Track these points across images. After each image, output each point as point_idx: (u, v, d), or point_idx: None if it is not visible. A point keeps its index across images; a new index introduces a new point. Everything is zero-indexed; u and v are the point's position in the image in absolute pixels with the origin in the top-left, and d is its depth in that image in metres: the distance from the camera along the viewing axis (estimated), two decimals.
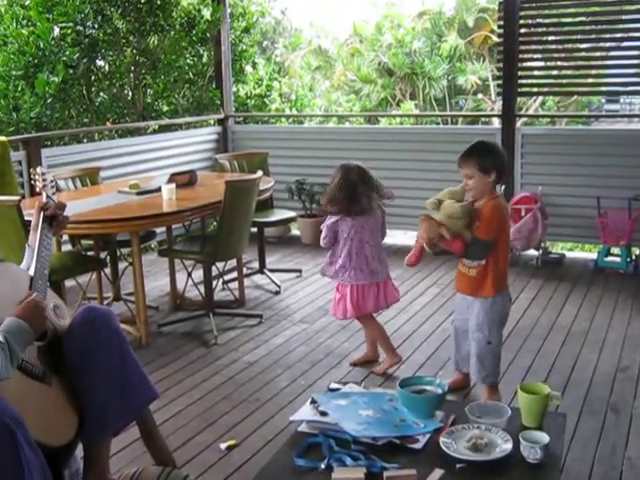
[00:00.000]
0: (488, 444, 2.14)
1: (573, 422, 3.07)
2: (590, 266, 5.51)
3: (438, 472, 2.06)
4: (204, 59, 7.48)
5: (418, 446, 2.23)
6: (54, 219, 2.52)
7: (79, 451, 2.34)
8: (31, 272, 2.34)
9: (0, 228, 3.83)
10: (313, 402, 2.48)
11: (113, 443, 2.45)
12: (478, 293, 3.20)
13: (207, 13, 7.13)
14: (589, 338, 4.14)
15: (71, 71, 6.44)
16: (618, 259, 5.43)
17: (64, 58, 6.38)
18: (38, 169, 2.67)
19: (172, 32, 6.95)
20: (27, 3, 6.62)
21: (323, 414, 2.39)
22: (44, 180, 2.62)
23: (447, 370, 3.59)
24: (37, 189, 2.65)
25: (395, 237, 7.73)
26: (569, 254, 6.12)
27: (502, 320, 3.28)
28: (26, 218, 3.65)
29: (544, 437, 2.14)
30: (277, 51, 15.81)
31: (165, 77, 7.09)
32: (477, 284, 3.19)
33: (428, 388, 2.48)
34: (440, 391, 2.44)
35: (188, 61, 7.33)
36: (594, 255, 5.75)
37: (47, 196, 2.58)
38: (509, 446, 2.13)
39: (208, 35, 7.14)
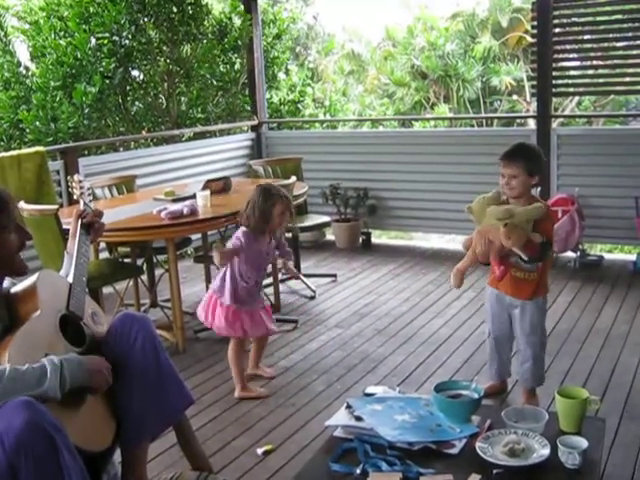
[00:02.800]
0: (525, 449, 2.12)
1: (613, 427, 3.02)
2: (629, 267, 5.42)
3: (475, 477, 2.04)
4: (237, 66, 7.52)
5: (454, 451, 2.21)
6: (91, 226, 2.56)
7: (117, 456, 2.37)
8: (70, 279, 2.38)
9: (39, 237, 3.89)
10: (348, 407, 2.48)
11: (151, 448, 2.47)
12: (535, 295, 3.19)
13: (238, 21, 7.18)
14: (629, 341, 4.07)
15: (107, 81, 6.53)
16: None
17: (101, 69, 6.47)
18: (75, 177, 2.72)
19: (204, 41, 7.01)
20: (65, 15, 6.72)
21: (358, 419, 2.39)
22: (81, 188, 2.66)
23: (483, 375, 3.55)
24: (74, 196, 2.70)
25: (431, 240, 7.72)
26: (607, 256, 6.03)
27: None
28: (64, 226, 3.71)
29: (582, 442, 2.11)
30: (310, 57, 15.86)
31: (198, 85, 7.16)
32: (536, 287, 3.17)
33: (464, 393, 2.47)
34: (476, 396, 2.42)
35: (221, 69, 7.38)
36: (633, 256, 5.66)
37: (84, 203, 2.62)
38: (547, 451, 2.10)
39: (240, 43, 7.18)
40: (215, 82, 7.30)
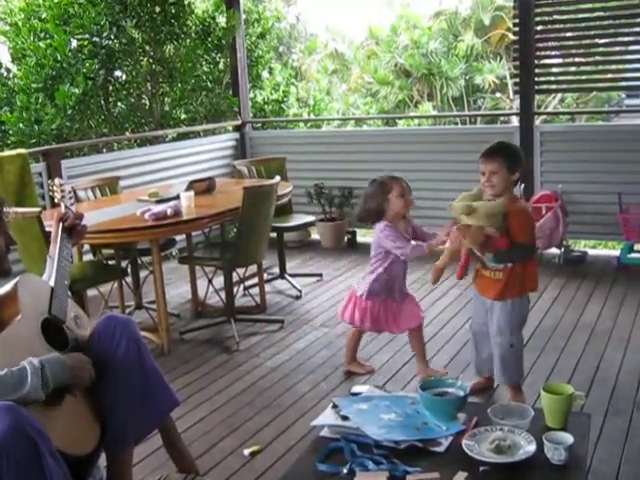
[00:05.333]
0: (511, 446, 2.12)
1: (599, 422, 3.03)
2: (613, 263, 5.45)
3: (461, 475, 2.04)
4: (220, 66, 7.49)
5: (441, 449, 2.21)
6: (73, 229, 2.54)
7: (102, 460, 2.35)
8: (51, 283, 2.36)
9: (22, 240, 3.85)
10: (334, 406, 2.47)
11: (136, 451, 2.46)
12: (503, 296, 3.16)
13: (222, 20, 7.16)
14: (613, 336, 4.09)
15: (90, 82, 6.48)
16: None
17: (84, 70, 6.42)
18: (56, 180, 2.70)
19: (188, 40, 6.98)
20: (44, 16, 6.67)
21: (345, 418, 2.38)
22: (62, 191, 2.64)
23: (469, 372, 3.56)
24: (56, 200, 2.68)
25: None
26: (591, 252, 6.06)
27: (522, 322, 3.26)
28: (47, 229, 3.68)
29: (568, 438, 2.11)
30: (293, 56, 15.85)
31: (182, 85, 7.13)
32: (503, 287, 3.14)
33: (450, 390, 2.46)
34: (462, 393, 2.42)
35: (204, 68, 7.34)
36: (617, 252, 5.69)
37: (66, 207, 2.60)
38: (533, 447, 2.11)
39: (224, 42, 7.15)
40: (199, 82, 7.27)
